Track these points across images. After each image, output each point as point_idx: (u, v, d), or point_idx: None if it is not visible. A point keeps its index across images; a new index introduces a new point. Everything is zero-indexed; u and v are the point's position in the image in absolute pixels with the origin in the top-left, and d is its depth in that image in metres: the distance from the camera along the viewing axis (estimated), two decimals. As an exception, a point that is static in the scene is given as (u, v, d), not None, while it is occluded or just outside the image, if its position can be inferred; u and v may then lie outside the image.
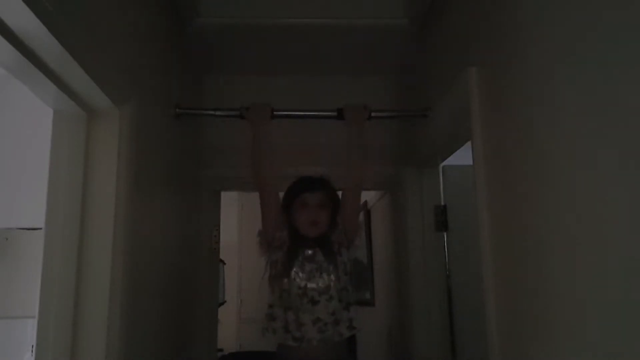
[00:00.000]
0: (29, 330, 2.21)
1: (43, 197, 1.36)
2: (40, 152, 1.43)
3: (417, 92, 2.50)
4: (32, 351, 2.19)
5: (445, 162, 2.44)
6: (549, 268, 1.16)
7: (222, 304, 4.04)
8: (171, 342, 2.08)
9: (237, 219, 5.53)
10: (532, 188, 1.25)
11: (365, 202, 3.75)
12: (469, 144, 1.69)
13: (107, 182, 1.41)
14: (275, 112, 2.08)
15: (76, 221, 1.36)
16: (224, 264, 4.32)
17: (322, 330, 1.83)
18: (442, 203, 2.45)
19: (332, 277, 1.87)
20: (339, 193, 2.01)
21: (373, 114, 2.13)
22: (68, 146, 1.38)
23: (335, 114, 2.12)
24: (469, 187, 1.65)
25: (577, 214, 1.04)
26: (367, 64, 2.76)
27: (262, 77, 2.78)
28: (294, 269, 1.86)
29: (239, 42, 2.50)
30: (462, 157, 2.07)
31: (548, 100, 1.17)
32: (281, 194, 1.99)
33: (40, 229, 1.38)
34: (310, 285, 1.85)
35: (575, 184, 1.05)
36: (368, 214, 3.73)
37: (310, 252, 1.90)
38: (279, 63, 2.73)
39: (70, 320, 1.32)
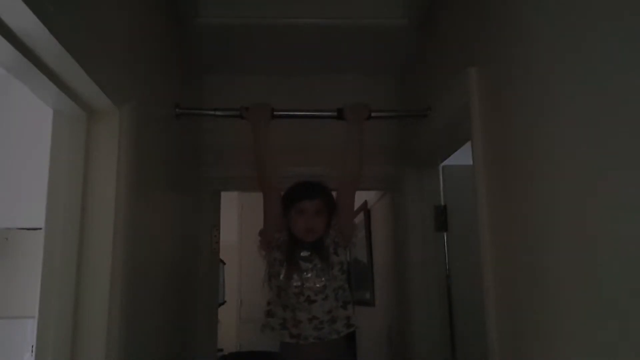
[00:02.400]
0: (29, 330, 2.21)
1: (43, 197, 1.36)
2: (40, 152, 1.43)
3: (417, 92, 2.50)
4: (31, 351, 2.19)
5: (445, 162, 2.44)
6: (549, 268, 1.16)
7: (222, 304, 4.04)
8: (171, 342, 2.08)
9: (237, 219, 5.53)
10: (532, 188, 1.25)
11: (365, 202, 3.75)
12: (469, 144, 1.69)
13: (107, 182, 1.40)
14: (275, 112, 2.08)
15: (76, 221, 1.36)
16: (224, 264, 4.32)
17: (318, 328, 1.87)
18: (442, 203, 2.45)
19: (328, 277, 1.90)
20: (335, 193, 2.02)
21: (373, 114, 2.12)
22: (68, 146, 1.38)
23: (335, 113, 2.12)
24: (469, 187, 1.65)
25: (577, 213, 1.05)
26: (367, 64, 2.76)
27: (262, 77, 2.78)
28: (291, 269, 1.89)
29: (238, 42, 2.50)
30: (462, 157, 2.07)
31: (548, 100, 1.17)
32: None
33: (40, 229, 1.38)
34: (306, 285, 1.88)
35: (575, 183, 1.05)
36: (368, 214, 3.73)
37: (306, 253, 1.93)
38: (279, 63, 2.73)
39: (70, 320, 1.32)
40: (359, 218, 3.76)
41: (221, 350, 4.26)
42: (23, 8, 0.92)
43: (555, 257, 1.14)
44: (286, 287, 1.89)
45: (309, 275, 1.89)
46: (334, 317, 1.89)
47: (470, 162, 1.64)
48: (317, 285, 1.89)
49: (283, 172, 2.06)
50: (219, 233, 2.78)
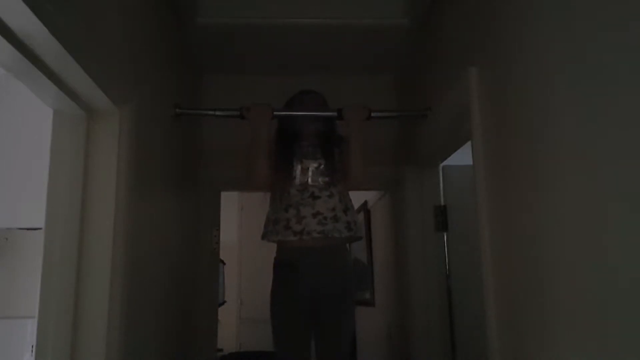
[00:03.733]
0: (29, 330, 2.21)
1: (43, 197, 1.36)
2: (40, 152, 1.43)
3: (417, 92, 2.50)
4: (32, 351, 2.19)
5: (445, 162, 2.44)
6: (549, 268, 1.16)
7: (222, 304, 4.04)
8: (171, 342, 2.07)
9: (237, 219, 5.53)
10: (532, 188, 1.25)
11: (365, 202, 3.75)
12: (469, 144, 1.69)
13: (107, 182, 1.41)
14: (275, 112, 2.08)
15: (76, 221, 1.36)
16: (224, 264, 4.32)
17: (322, 223, 1.94)
18: (442, 203, 2.45)
19: (333, 177, 2.01)
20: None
21: (373, 114, 2.13)
22: (68, 146, 1.38)
23: (335, 114, 2.12)
24: (469, 187, 1.65)
25: (576, 213, 1.05)
26: (367, 64, 2.76)
27: (262, 77, 2.78)
28: (294, 167, 2.00)
29: (239, 42, 2.50)
30: (462, 157, 2.07)
31: (548, 100, 1.17)
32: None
33: (40, 229, 1.38)
34: (311, 182, 1.99)
35: (575, 183, 1.05)
36: (368, 214, 3.73)
37: (308, 146, 2.04)
38: (278, 63, 2.73)
39: (70, 320, 1.32)
40: (359, 218, 3.76)
41: (221, 350, 4.26)
42: (23, 8, 0.93)
43: (555, 256, 1.14)
44: (290, 187, 1.98)
45: (314, 172, 1.99)
46: (337, 216, 1.96)
47: (470, 162, 1.64)
48: (322, 183, 1.99)
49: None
50: (219, 233, 2.78)
